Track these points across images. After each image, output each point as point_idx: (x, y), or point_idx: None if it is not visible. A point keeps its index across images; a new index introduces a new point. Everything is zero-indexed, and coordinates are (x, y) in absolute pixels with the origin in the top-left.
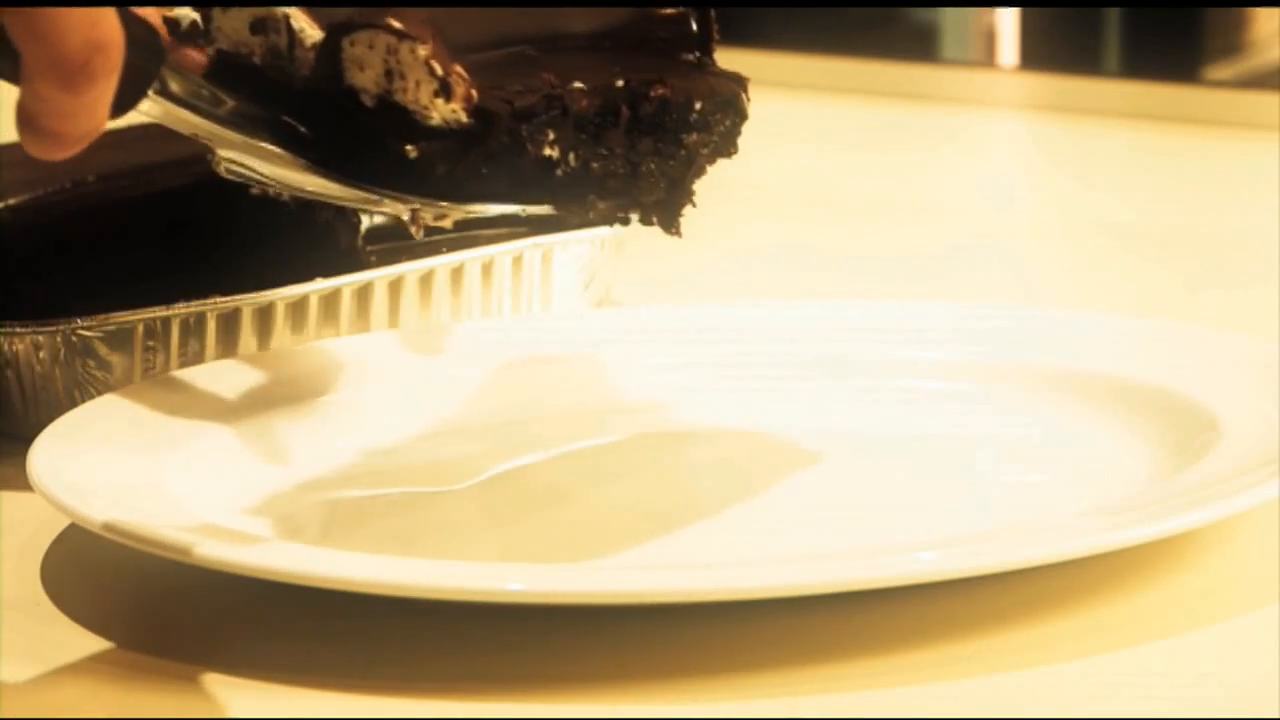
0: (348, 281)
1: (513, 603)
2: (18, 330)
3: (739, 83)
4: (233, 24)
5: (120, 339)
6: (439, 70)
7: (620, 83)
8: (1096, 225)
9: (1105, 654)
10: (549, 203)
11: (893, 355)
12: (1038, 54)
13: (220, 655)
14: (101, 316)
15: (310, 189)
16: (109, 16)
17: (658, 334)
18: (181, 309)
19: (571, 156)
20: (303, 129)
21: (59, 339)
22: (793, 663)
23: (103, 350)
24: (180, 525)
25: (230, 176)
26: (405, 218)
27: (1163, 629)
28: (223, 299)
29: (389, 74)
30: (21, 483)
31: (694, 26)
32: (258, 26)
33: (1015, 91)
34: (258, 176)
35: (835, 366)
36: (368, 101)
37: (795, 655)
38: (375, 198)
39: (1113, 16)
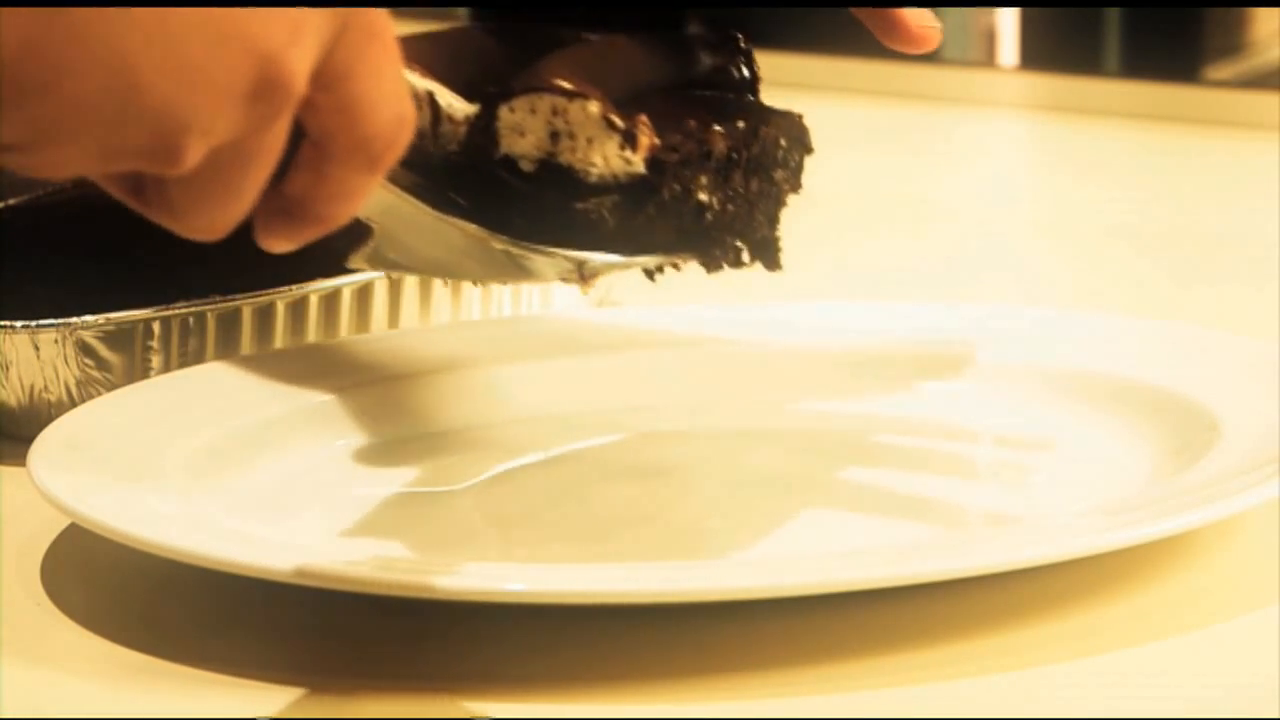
0: (348, 281)
1: (513, 603)
2: (18, 330)
3: (799, 119)
4: None
5: (120, 339)
6: (620, 123)
7: (741, 123)
8: (1096, 225)
9: (1105, 654)
10: (698, 248)
11: (893, 355)
12: (1038, 54)
13: (220, 655)
14: (101, 316)
15: (470, 266)
16: (408, 85)
17: (658, 334)
18: (181, 309)
19: (716, 200)
20: (459, 200)
21: (59, 339)
22: (793, 663)
23: (103, 350)
24: (180, 525)
25: (380, 269)
26: (570, 275)
27: (1163, 629)
28: (223, 299)
29: (554, 135)
30: (21, 483)
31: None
32: None
33: (1015, 91)
34: (411, 264)
35: (835, 366)
36: (526, 167)
37: (795, 655)
38: (545, 256)
39: (1113, 16)
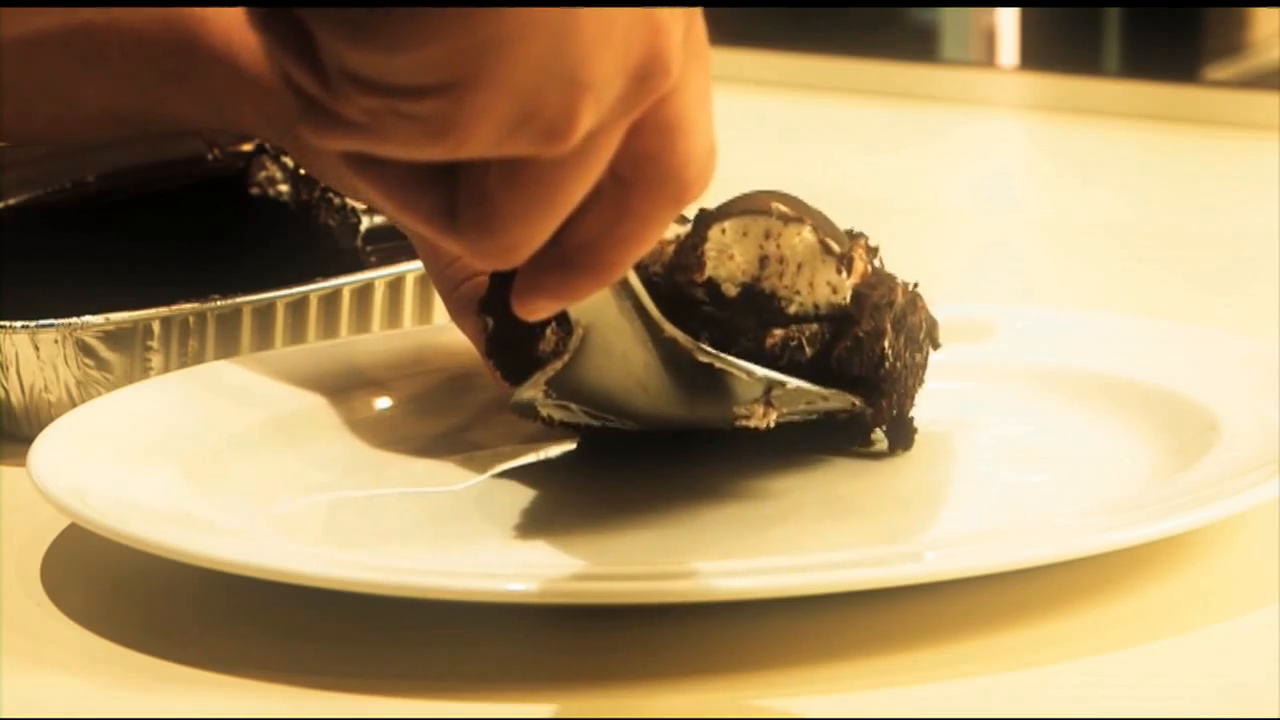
0: (348, 281)
1: (513, 603)
2: (18, 330)
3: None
4: None
5: (120, 339)
6: (836, 248)
7: (914, 285)
8: (1096, 225)
9: (1105, 654)
10: (869, 395)
11: None
12: (1038, 54)
13: (220, 655)
14: (101, 316)
15: (648, 397)
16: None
17: None
18: (181, 309)
19: (893, 351)
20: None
21: (59, 339)
22: (793, 663)
23: (103, 350)
24: (180, 525)
25: (545, 408)
26: (754, 405)
27: (1163, 629)
28: (223, 299)
29: (763, 260)
30: (21, 483)
31: None
32: None
33: (1015, 91)
34: (588, 394)
35: None
36: (729, 290)
37: (795, 655)
38: (744, 376)
39: (1113, 16)
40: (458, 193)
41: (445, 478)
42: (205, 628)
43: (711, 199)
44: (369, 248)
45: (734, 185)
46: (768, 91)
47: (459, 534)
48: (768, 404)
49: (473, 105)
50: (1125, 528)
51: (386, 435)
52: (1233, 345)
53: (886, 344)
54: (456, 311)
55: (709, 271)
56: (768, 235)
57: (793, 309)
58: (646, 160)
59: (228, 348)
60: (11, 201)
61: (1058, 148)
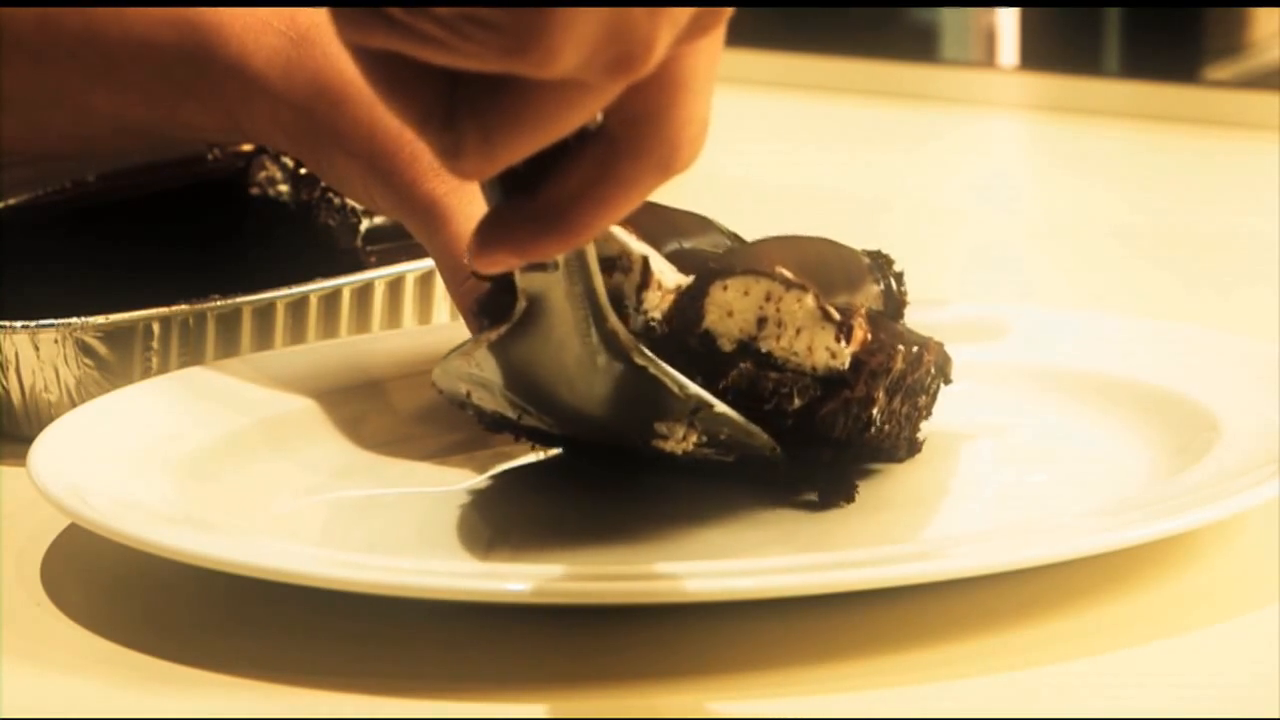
0: (348, 281)
1: (513, 603)
2: (18, 330)
3: (942, 347)
4: None
5: (120, 339)
6: (836, 315)
7: (916, 349)
8: (1096, 225)
9: (1105, 654)
10: (857, 455)
11: None
12: (1038, 54)
13: (220, 655)
14: (101, 316)
15: (581, 408)
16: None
17: None
18: (181, 309)
19: (880, 418)
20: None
21: (59, 339)
22: (793, 663)
23: (103, 350)
24: (180, 525)
25: (469, 398)
26: (677, 424)
27: (1163, 629)
28: (223, 299)
29: (761, 320)
30: (21, 483)
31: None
32: (605, 265)
33: (1015, 91)
34: (506, 400)
35: None
36: (725, 346)
37: (795, 655)
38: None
39: (1113, 16)
40: (452, 95)
41: (445, 478)
42: (205, 628)
43: (713, 199)
44: (369, 248)
45: (734, 184)
46: (768, 91)
47: (459, 534)
48: (690, 425)
49: (560, 17)
50: (1125, 528)
51: (386, 435)
52: (1233, 345)
53: (875, 410)
54: (465, 308)
55: (706, 325)
56: (768, 298)
57: (789, 368)
58: (643, 118)
59: (228, 348)
60: (11, 201)
61: (1058, 148)
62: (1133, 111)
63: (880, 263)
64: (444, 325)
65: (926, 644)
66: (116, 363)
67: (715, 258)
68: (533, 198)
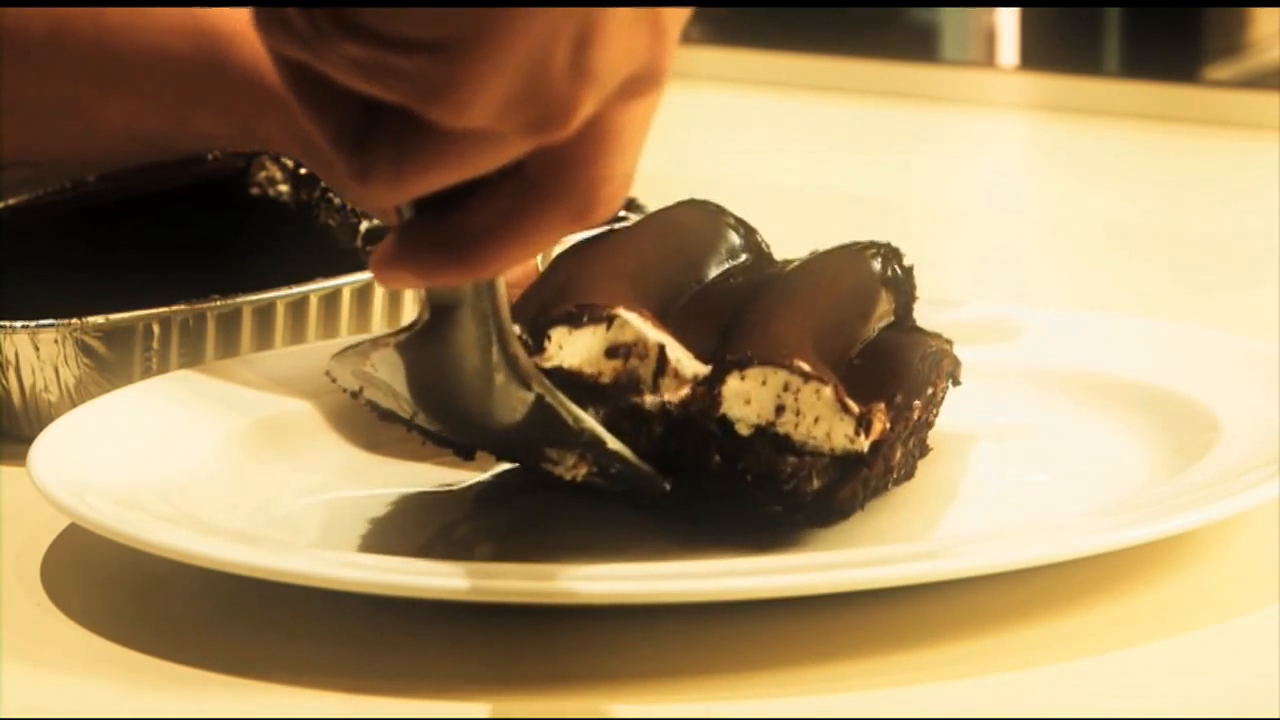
0: (348, 281)
1: (513, 602)
2: (18, 330)
3: (951, 349)
4: (582, 345)
5: (120, 339)
6: (854, 409)
7: (930, 389)
8: (1096, 225)
9: (1105, 654)
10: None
11: None
12: (1038, 54)
13: (220, 655)
14: (101, 316)
15: (475, 420)
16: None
17: None
18: (181, 309)
19: (899, 463)
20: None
21: (59, 339)
22: (793, 663)
23: (103, 350)
24: (180, 525)
25: (362, 393)
26: (568, 453)
27: (1163, 629)
28: (223, 299)
29: (779, 408)
30: (21, 483)
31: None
32: (616, 352)
33: (1015, 91)
34: (400, 401)
35: None
36: (742, 430)
37: (795, 655)
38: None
39: (1113, 16)
40: (368, 117)
41: (445, 478)
42: (205, 628)
43: (713, 199)
44: (369, 248)
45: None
46: (768, 91)
47: (458, 534)
48: (581, 456)
49: (473, 70)
50: (1125, 528)
51: (386, 435)
52: (1233, 345)
53: (893, 472)
54: None
55: (724, 410)
56: (786, 388)
57: (807, 450)
58: (564, 166)
59: (228, 348)
60: (11, 201)
61: (1058, 148)
62: (1133, 111)
63: (888, 255)
64: None
65: (926, 644)
66: (116, 363)
67: (732, 346)
68: (441, 220)
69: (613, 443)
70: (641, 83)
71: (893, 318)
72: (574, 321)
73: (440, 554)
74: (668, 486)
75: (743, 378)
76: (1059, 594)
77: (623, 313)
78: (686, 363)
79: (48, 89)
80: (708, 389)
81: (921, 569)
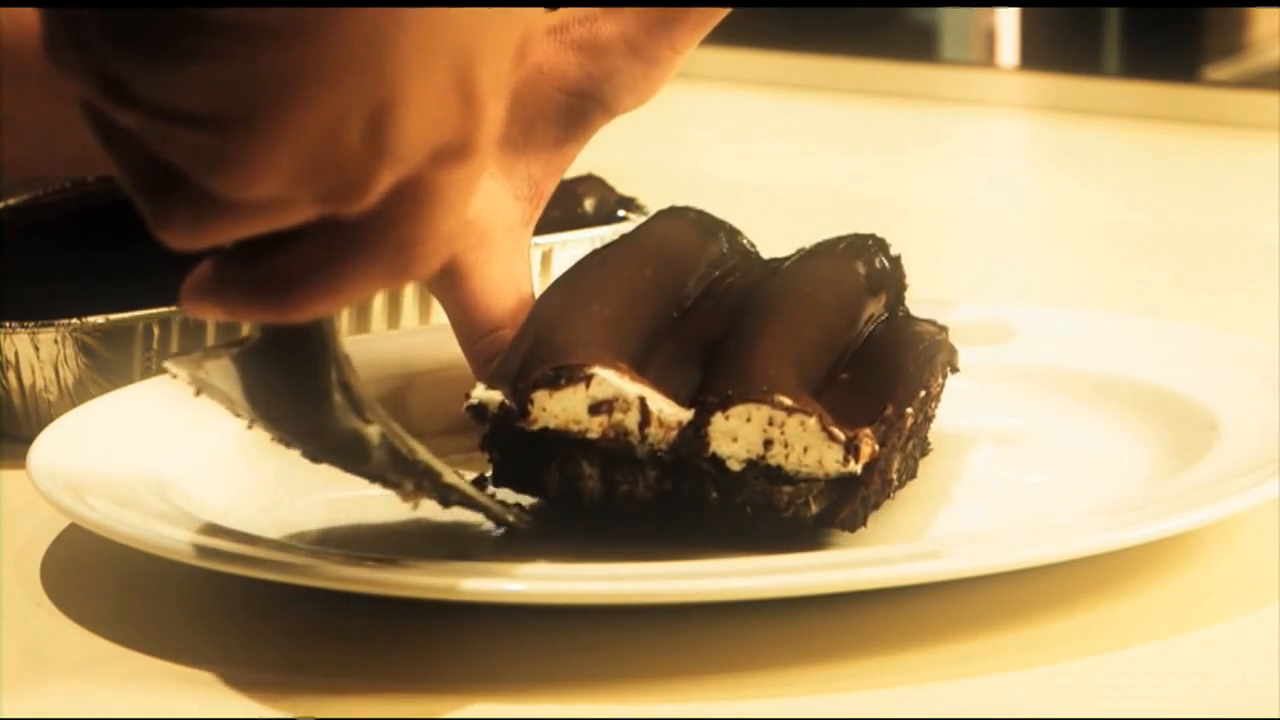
0: None
1: (513, 603)
2: (18, 330)
3: (947, 336)
4: (564, 405)
5: (120, 339)
6: (841, 436)
7: (923, 392)
8: (1096, 225)
9: (1105, 654)
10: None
11: None
12: (1038, 54)
13: (220, 655)
14: (101, 316)
15: (315, 434)
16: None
17: None
18: (181, 309)
19: (897, 473)
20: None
21: (59, 339)
22: (793, 663)
23: (102, 350)
24: (180, 525)
25: (194, 378)
26: (406, 481)
27: (1163, 629)
28: None
29: (767, 442)
30: (21, 483)
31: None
32: (599, 408)
33: (1015, 91)
34: (238, 407)
35: None
36: (734, 466)
37: (795, 655)
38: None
39: (1113, 16)
40: (168, 165)
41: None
42: (205, 628)
43: (713, 199)
44: None
45: (734, 184)
46: (767, 91)
47: (459, 534)
48: (419, 486)
49: (254, 148)
50: (1125, 528)
51: None
52: (1233, 345)
53: (892, 476)
54: (480, 365)
55: (713, 450)
56: (770, 422)
57: (800, 478)
58: (380, 222)
59: None
60: (11, 201)
61: (1058, 148)
62: (1133, 111)
63: (874, 248)
64: (443, 325)
65: (926, 644)
66: (116, 363)
67: (713, 385)
68: (256, 260)
69: (448, 476)
70: (454, 153)
71: (884, 313)
72: (553, 384)
73: (440, 554)
74: (528, 519)
75: (727, 417)
76: (1059, 594)
77: (599, 371)
78: (669, 411)
79: (47, 110)
80: (694, 431)
81: (921, 569)
